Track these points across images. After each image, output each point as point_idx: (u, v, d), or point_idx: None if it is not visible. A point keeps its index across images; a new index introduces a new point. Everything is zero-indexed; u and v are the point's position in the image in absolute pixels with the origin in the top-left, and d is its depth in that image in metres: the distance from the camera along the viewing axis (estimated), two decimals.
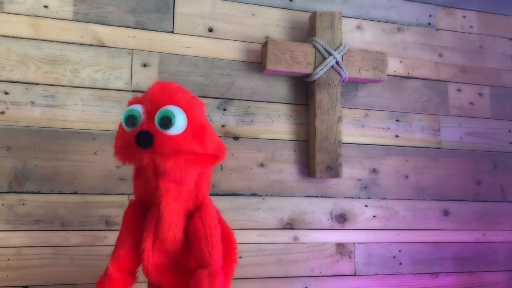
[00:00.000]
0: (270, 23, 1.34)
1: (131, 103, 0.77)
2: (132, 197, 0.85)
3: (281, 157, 1.30)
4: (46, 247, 1.10)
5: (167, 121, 0.71)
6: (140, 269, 0.82)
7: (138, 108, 0.73)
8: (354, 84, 1.38)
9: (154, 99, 0.73)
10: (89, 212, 1.14)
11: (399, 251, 1.36)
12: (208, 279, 0.75)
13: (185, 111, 0.73)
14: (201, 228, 0.77)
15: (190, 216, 0.79)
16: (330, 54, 1.27)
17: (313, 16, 1.32)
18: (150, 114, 0.72)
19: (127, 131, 0.74)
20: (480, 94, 1.50)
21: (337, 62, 1.28)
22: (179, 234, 0.78)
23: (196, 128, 0.75)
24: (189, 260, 0.79)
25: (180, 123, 0.72)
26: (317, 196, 1.31)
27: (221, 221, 0.86)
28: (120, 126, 0.77)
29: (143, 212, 0.83)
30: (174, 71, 1.24)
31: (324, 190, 1.32)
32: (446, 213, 1.42)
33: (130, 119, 0.73)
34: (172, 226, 0.76)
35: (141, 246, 0.77)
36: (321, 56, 1.28)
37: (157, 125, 0.71)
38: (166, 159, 0.71)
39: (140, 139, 0.70)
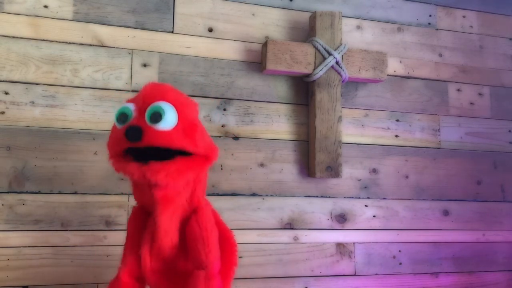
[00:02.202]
0: (270, 23, 1.34)
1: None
2: (134, 203, 0.85)
3: (281, 157, 1.30)
4: (46, 247, 1.10)
5: (157, 116, 0.70)
6: None
7: (130, 106, 0.73)
8: (354, 84, 1.38)
9: (146, 97, 0.73)
10: (89, 212, 1.14)
11: (399, 251, 1.36)
12: (205, 281, 0.75)
13: (176, 109, 0.73)
14: (197, 231, 0.77)
15: (187, 220, 0.79)
16: (330, 54, 1.27)
17: (313, 16, 1.32)
18: (141, 110, 0.72)
19: (118, 129, 0.73)
20: (480, 94, 1.50)
21: (337, 62, 1.28)
22: (176, 239, 0.78)
23: (187, 125, 0.74)
24: (186, 264, 0.79)
25: (170, 118, 0.71)
26: (317, 196, 1.31)
27: (219, 223, 0.85)
28: (113, 128, 0.76)
29: (146, 217, 0.82)
30: (174, 71, 1.24)
31: (324, 190, 1.32)
32: (446, 213, 1.42)
33: (122, 116, 0.73)
34: (169, 232, 0.76)
35: (139, 252, 0.77)
36: (321, 56, 1.28)
37: (147, 120, 0.71)
38: (157, 172, 0.70)
39: (129, 133, 0.69)
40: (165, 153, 0.72)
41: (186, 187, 0.77)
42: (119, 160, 0.73)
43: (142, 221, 0.83)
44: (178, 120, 0.73)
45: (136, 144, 0.70)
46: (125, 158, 0.73)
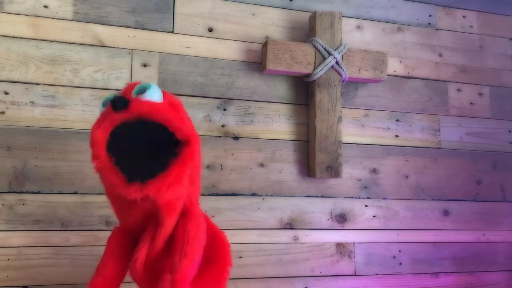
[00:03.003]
0: (270, 23, 1.34)
1: None
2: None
3: (281, 157, 1.30)
4: (46, 247, 1.10)
5: (143, 88, 0.71)
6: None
7: (116, 94, 0.74)
8: (354, 84, 1.38)
9: (131, 84, 0.75)
10: (89, 212, 1.14)
11: (399, 251, 1.36)
12: (170, 284, 0.69)
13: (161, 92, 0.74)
14: (180, 235, 0.74)
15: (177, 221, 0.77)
16: (330, 54, 1.27)
17: (313, 16, 1.32)
18: (127, 90, 0.73)
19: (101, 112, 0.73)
20: (480, 94, 1.50)
21: (337, 62, 1.28)
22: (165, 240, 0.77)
23: (173, 102, 0.74)
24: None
25: (155, 92, 0.71)
26: (317, 196, 1.31)
27: (210, 225, 0.84)
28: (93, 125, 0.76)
29: (126, 239, 0.81)
30: (174, 71, 1.24)
31: (324, 190, 1.32)
32: (446, 213, 1.42)
33: (107, 101, 0.73)
34: (168, 235, 0.75)
35: (134, 256, 0.75)
36: (321, 56, 1.28)
37: (133, 93, 0.71)
38: (159, 190, 0.68)
39: (115, 102, 0.68)
40: (151, 149, 0.70)
41: (184, 191, 0.76)
42: (112, 172, 0.70)
43: (122, 243, 0.80)
44: (164, 99, 0.73)
45: (122, 115, 0.68)
46: (109, 162, 0.70)
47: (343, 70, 1.29)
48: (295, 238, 1.28)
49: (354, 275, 1.31)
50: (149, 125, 0.70)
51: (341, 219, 1.32)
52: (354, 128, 1.37)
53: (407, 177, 1.39)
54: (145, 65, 1.22)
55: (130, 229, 0.80)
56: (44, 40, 1.15)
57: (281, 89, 1.32)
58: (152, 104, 0.70)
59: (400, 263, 1.36)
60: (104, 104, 0.74)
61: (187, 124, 0.74)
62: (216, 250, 0.81)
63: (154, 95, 0.71)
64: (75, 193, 1.13)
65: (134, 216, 0.76)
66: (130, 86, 0.74)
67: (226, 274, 0.82)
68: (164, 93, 0.75)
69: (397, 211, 1.37)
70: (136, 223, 0.77)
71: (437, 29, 1.50)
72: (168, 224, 0.74)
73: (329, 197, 1.32)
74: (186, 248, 0.72)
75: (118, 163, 0.70)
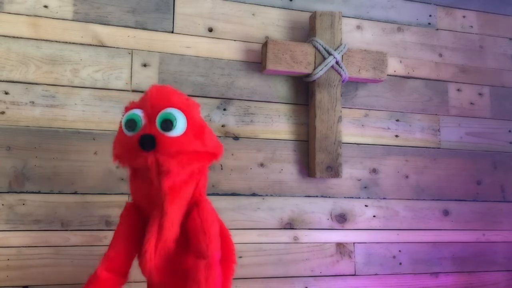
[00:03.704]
0: (270, 23, 1.34)
1: (128, 108, 0.78)
2: (130, 199, 0.86)
3: (281, 157, 1.30)
4: (46, 247, 1.10)
5: (168, 124, 0.73)
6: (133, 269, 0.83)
7: (138, 113, 0.76)
8: (354, 84, 1.38)
9: (153, 102, 0.76)
10: (89, 212, 1.14)
11: (399, 251, 1.36)
12: (205, 269, 0.76)
13: (183, 113, 0.76)
14: (198, 223, 0.79)
15: (188, 213, 0.81)
16: (330, 54, 1.27)
17: (313, 16, 1.32)
18: (150, 117, 0.75)
19: (128, 136, 0.75)
20: (480, 94, 1.50)
21: (337, 62, 1.28)
22: (178, 232, 0.80)
23: (196, 128, 0.77)
24: (186, 258, 0.80)
25: (181, 124, 0.74)
26: (317, 196, 1.31)
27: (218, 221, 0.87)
28: (120, 131, 0.78)
29: (138, 215, 0.84)
30: (174, 71, 1.24)
31: (324, 190, 1.32)
32: (446, 213, 1.42)
33: (131, 123, 0.75)
34: (174, 224, 0.78)
35: (143, 248, 0.78)
36: (321, 56, 1.28)
37: (158, 128, 0.74)
38: (170, 159, 0.73)
39: (143, 142, 0.72)
40: None
41: (191, 178, 0.79)
42: (129, 151, 0.75)
43: (134, 218, 0.85)
44: (187, 124, 0.76)
45: (150, 153, 0.73)
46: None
47: (343, 70, 1.29)
48: (295, 238, 1.28)
49: (354, 275, 1.32)
50: None
51: (341, 219, 1.32)
52: (354, 128, 1.37)
53: (407, 177, 1.39)
54: (145, 65, 1.22)
55: (141, 207, 0.84)
56: (44, 40, 1.15)
57: (281, 89, 1.32)
58: (178, 142, 0.74)
59: (400, 263, 1.36)
60: (126, 126, 0.76)
61: (209, 144, 0.80)
62: (222, 249, 0.83)
63: (179, 129, 0.75)
64: (75, 193, 1.13)
65: (145, 191, 0.79)
66: (153, 106, 0.75)
67: (231, 272, 0.86)
68: (186, 113, 0.76)
69: (397, 211, 1.37)
70: (146, 201, 0.81)
71: (437, 29, 1.50)
72: (172, 213, 0.77)
73: (329, 197, 1.32)
74: (210, 236, 0.79)
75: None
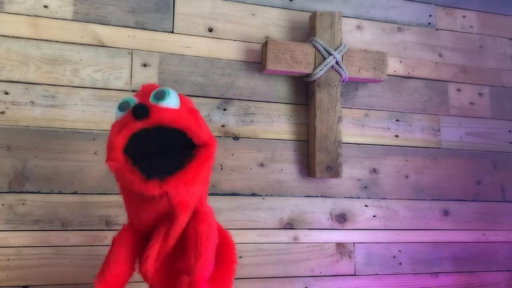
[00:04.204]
0: (270, 23, 1.34)
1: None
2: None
3: (281, 157, 1.30)
4: (46, 247, 1.10)
5: (161, 94, 0.72)
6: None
7: (131, 97, 0.76)
8: (354, 84, 1.38)
9: (145, 88, 0.77)
10: (89, 212, 1.14)
11: (399, 251, 1.36)
12: (188, 286, 0.72)
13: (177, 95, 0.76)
14: (193, 236, 0.76)
15: (188, 221, 0.79)
16: (330, 54, 1.27)
17: (313, 16, 1.32)
18: (144, 94, 0.75)
19: (121, 118, 0.74)
20: (480, 94, 1.50)
21: (337, 62, 1.28)
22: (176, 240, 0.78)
23: (190, 107, 0.77)
24: (183, 265, 0.78)
25: (174, 98, 0.73)
26: (317, 196, 1.31)
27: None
28: (113, 125, 0.76)
29: (135, 237, 0.81)
30: (174, 71, 1.24)
31: (324, 190, 1.32)
32: (446, 213, 1.42)
33: (124, 104, 0.75)
34: (181, 232, 0.76)
35: (146, 253, 0.76)
36: (321, 56, 1.28)
37: (151, 100, 0.73)
38: (177, 187, 0.71)
39: (136, 110, 0.70)
40: (168, 151, 0.72)
41: (199, 190, 0.77)
42: (129, 171, 0.71)
43: (131, 240, 0.81)
44: (181, 103, 0.75)
45: (143, 123, 0.70)
46: (126, 163, 0.72)
47: (343, 70, 1.29)
48: (295, 238, 1.28)
49: (354, 275, 1.32)
50: (168, 130, 0.72)
51: (341, 219, 1.32)
52: (354, 128, 1.37)
53: (407, 177, 1.39)
54: (145, 65, 1.22)
55: (140, 227, 0.81)
56: (44, 40, 1.15)
57: (281, 89, 1.32)
58: (172, 112, 0.72)
59: (400, 263, 1.36)
60: (120, 108, 0.75)
61: (204, 129, 0.76)
62: (222, 249, 0.82)
63: (173, 102, 0.74)
64: (75, 193, 1.13)
65: (148, 214, 0.77)
66: (147, 90, 0.76)
67: (232, 272, 0.84)
68: (180, 97, 0.77)
69: (397, 211, 1.37)
70: (149, 222, 0.78)
71: (437, 29, 1.50)
72: (182, 222, 0.75)
73: (329, 197, 1.32)
74: (200, 250, 0.74)
75: (136, 163, 0.71)
